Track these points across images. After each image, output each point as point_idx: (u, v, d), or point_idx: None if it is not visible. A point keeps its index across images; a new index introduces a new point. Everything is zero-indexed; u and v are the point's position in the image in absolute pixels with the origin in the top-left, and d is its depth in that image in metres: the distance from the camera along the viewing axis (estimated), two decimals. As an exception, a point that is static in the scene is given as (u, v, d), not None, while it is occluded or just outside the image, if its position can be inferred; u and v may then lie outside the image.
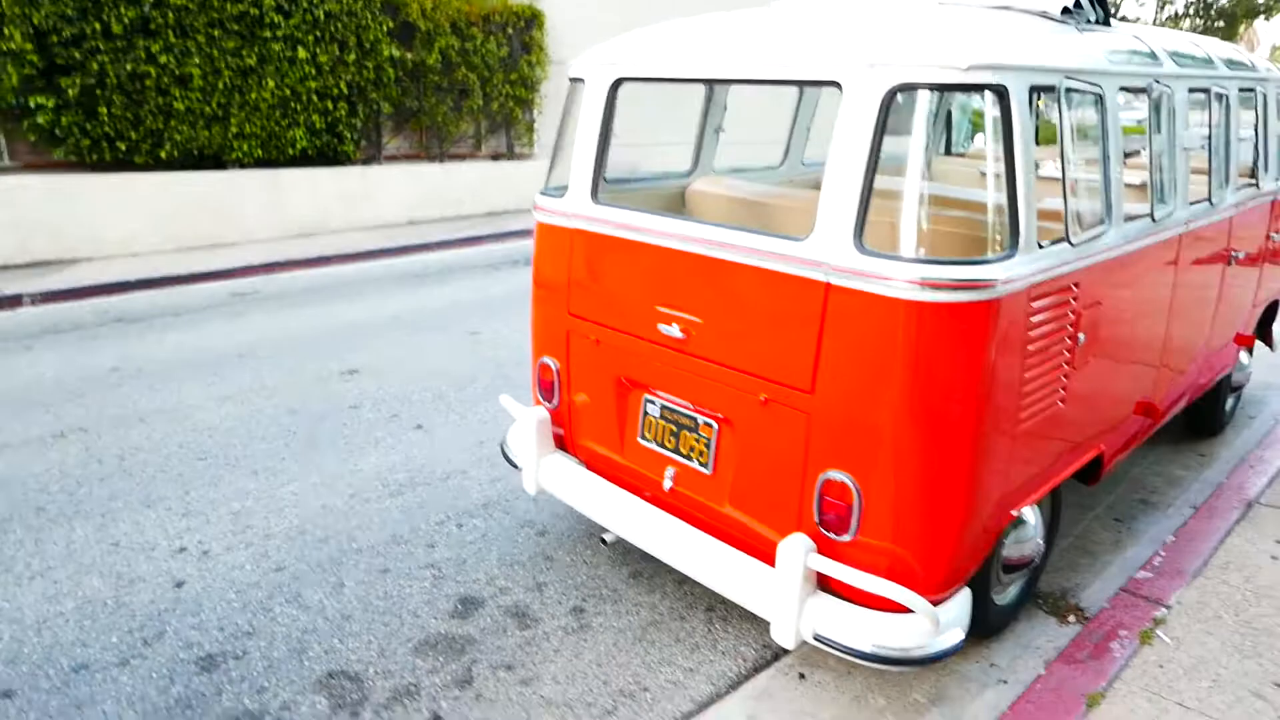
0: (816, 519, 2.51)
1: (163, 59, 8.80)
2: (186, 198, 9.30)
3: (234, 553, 3.53)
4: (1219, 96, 3.51)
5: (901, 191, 2.27)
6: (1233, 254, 3.78)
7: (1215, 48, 3.67)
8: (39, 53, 8.18)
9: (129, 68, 8.64)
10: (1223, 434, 4.80)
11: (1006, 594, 3.06)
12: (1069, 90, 2.46)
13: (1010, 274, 2.26)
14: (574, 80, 3.13)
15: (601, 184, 3.07)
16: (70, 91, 8.38)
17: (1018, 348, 2.37)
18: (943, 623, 2.42)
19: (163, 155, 9.14)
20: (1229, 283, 3.87)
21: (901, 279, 2.20)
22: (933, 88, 2.22)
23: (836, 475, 2.43)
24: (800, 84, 2.40)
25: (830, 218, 2.32)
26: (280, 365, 5.82)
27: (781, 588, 2.49)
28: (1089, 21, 2.88)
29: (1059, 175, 2.50)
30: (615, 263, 2.99)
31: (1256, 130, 3.68)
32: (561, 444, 3.35)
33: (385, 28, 10.42)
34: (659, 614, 3.16)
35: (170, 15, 8.76)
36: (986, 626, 2.98)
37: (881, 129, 2.26)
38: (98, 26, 8.39)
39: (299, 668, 2.86)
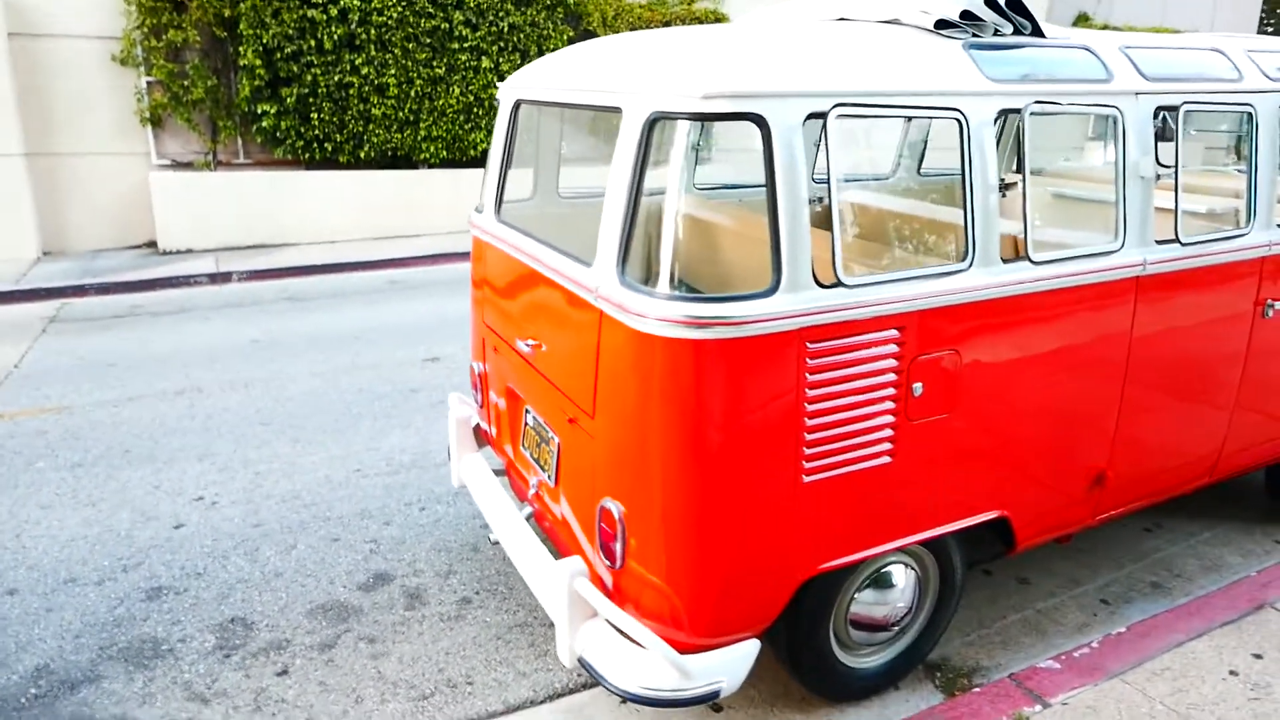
0: (598, 543, 2.52)
1: (364, 70, 9.99)
2: (381, 194, 10.50)
3: (234, 507, 4.10)
4: (1228, 114, 2.95)
5: (666, 222, 2.22)
6: (1269, 303, 3.15)
7: (1238, 56, 3.05)
8: (266, 67, 9.61)
9: (336, 78, 9.90)
10: (1322, 519, 3.97)
11: (870, 657, 2.84)
12: (915, 115, 2.26)
13: (765, 312, 2.14)
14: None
15: (504, 200, 3.22)
16: (289, 100, 9.77)
17: (787, 392, 2.22)
18: (698, 669, 2.33)
19: (362, 155, 10.37)
20: (1268, 338, 3.22)
21: (649, 313, 2.17)
22: (686, 117, 2.16)
23: (609, 502, 2.43)
24: (602, 110, 2.39)
25: (602, 246, 2.33)
26: (378, 348, 6.49)
27: (557, 608, 2.53)
28: (1001, 33, 2.58)
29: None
30: (503, 277, 3.14)
31: (1249, 157, 3.01)
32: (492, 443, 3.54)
33: (566, 37, 11.04)
34: (531, 618, 3.26)
35: (373, 31, 9.91)
36: (837, 688, 2.80)
37: (643, 158, 2.23)
38: (313, 43, 9.70)
39: (214, 610, 3.31)
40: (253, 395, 5.54)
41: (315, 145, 10.16)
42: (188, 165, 9.98)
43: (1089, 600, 3.40)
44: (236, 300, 8.08)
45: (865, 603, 2.73)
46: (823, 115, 2.15)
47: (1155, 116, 2.76)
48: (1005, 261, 2.50)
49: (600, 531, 2.48)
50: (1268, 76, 3.04)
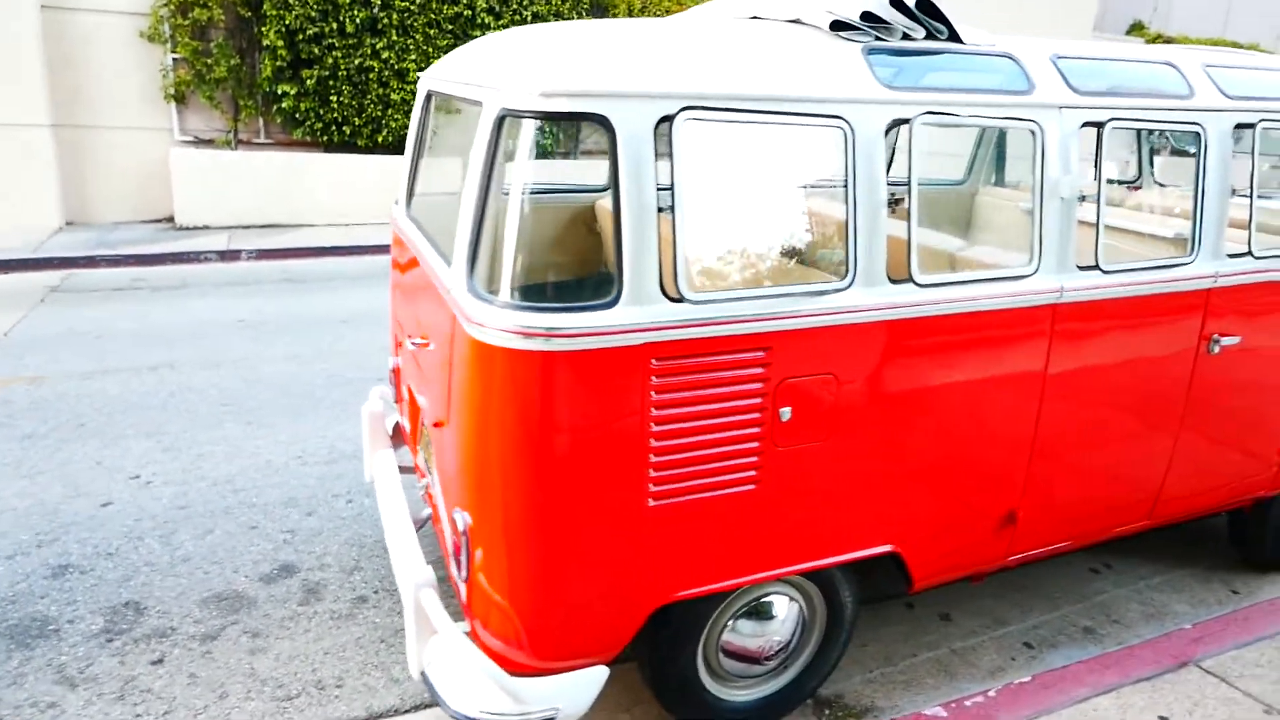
0: (450, 553, 2.43)
1: (385, 55, 10.02)
2: (396, 179, 10.54)
3: (166, 487, 4.10)
4: (1175, 133, 2.73)
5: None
6: (1214, 338, 2.91)
7: (1193, 69, 2.82)
8: (288, 48, 9.69)
9: (357, 62, 9.94)
10: (1287, 571, 3.71)
11: (747, 689, 2.70)
12: (765, 120, 2.12)
13: (605, 325, 2.02)
14: (424, 92, 3.23)
15: (415, 193, 3.14)
16: (309, 82, 9.83)
17: (631, 411, 2.10)
18: (532, 694, 2.23)
19: (380, 140, 10.41)
20: (1214, 376, 2.99)
21: (488, 322, 2.06)
22: (529, 115, 2.04)
23: (458, 513, 2.33)
24: (472, 104, 2.29)
25: (456, 249, 2.23)
26: (361, 333, 6.48)
27: (406, 618, 2.44)
28: (911, 38, 2.41)
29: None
30: (404, 272, 3.06)
31: (1196, 180, 2.76)
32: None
33: (590, 28, 10.94)
34: (422, 620, 3.19)
35: (395, 16, 9.93)
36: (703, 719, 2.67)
37: (492, 159, 2.12)
38: (335, 26, 9.75)
39: (111, 592, 3.30)
40: (222, 375, 5.57)
41: (334, 128, 10.23)
42: (209, 143, 10.12)
43: (1011, 642, 3.20)
44: (238, 279, 8.16)
45: (740, 633, 2.60)
46: (671, 119, 2.02)
47: (1099, 134, 2.56)
48: (896, 282, 2.34)
49: (453, 542, 2.39)
50: (1224, 94, 2.81)
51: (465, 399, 2.21)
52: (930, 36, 2.45)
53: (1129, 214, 3.79)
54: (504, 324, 2.03)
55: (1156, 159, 4.55)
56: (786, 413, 2.28)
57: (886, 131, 2.29)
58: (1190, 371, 2.93)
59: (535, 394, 2.06)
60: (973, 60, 2.49)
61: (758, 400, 2.23)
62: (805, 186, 2.34)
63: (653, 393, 2.11)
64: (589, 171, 3.74)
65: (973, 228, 4.21)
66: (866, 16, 2.34)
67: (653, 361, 2.09)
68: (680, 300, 2.07)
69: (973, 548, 2.78)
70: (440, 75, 2.85)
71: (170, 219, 9.98)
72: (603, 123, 1.99)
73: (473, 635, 2.36)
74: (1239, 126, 2.81)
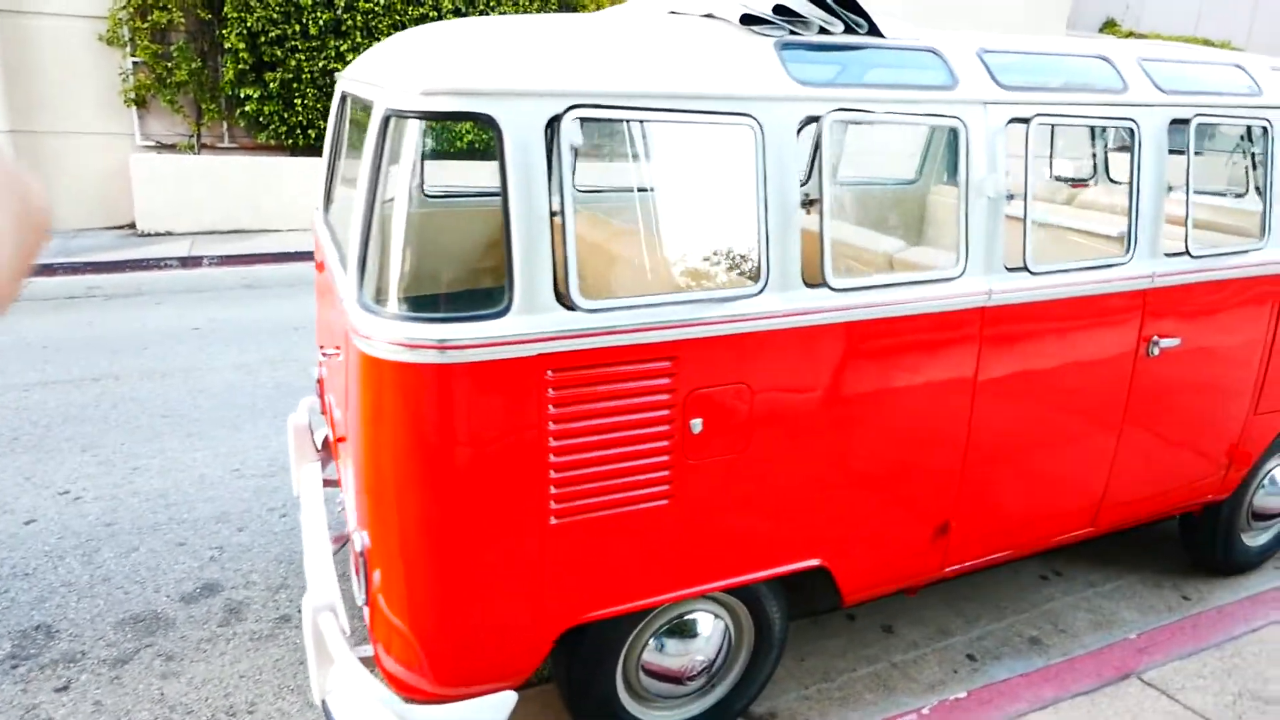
0: (354, 572, 2.32)
1: (349, 57, 9.87)
2: (363, 182, 10.40)
3: (95, 504, 3.97)
4: (1108, 129, 2.65)
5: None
6: (1154, 340, 2.83)
7: (1126, 63, 2.73)
8: (250, 51, 9.55)
9: (321, 64, 9.80)
10: (1240, 576, 3.63)
11: (671, 710, 2.60)
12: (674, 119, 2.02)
13: (495, 335, 1.92)
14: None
15: (332, 197, 3.03)
16: (273, 85, 9.69)
17: (528, 426, 2.00)
18: (435, 720, 2.13)
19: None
20: (1156, 379, 2.91)
21: (375, 334, 1.95)
22: (413, 115, 1.94)
23: (358, 533, 2.23)
24: (369, 104, 2.19)
25: (348, 257, 2.12)
26: (313, 340, 6.35)
27: (306, 642, 2.33)
28: (829, 32, 2.32)
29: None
30: (320, 278, 2.95)
31: (1130, 177, 2.68)
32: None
33: (559, 29, 10.83)
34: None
35: (359, 18, 9.80)
36: (630, 740, 2.57)
37: (378, 161, 2.01)
38: (298, 28, 9.61)
39: (25, 615, 3.18)
40: (167, 385, 5.43)
41: (299, 131, 10.08)
42: (171, 147, 9.96)
43: (954, 654, 3.12)
44: (196, 285, 8.02)
45: (661, 652, 2.50)
46: (560, 118, 1.91)
47: (1026, 130, 2.47)
48: (812, 287, 2.24)
49: (355, 563, 2.29)
50: (1159, 89, 2.73)
51: (358, 414, 2.10)
52: (849, 31, 2.36)
53: (1079, 213, 3.72)
54: (391, 336, 1.93)
55: (1112, 156, 4.49)
56: (698, 424, 2.18)
57: (799, 129, 2.20)
58: (1130, 375, 2.85)
59: (425, 409, 1.96)
60: (893, 55, 2.40)
61: (666, 412, 2.13)
62: (714, 188, 2.24)
63: (550, 406, 2.01)
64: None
65: (923, 228, 4.13)
66: (780, 10, 2.25)
67: (548, 373, 1.99)
68: (577, 309, 1.97)
69: (905, 560, 2.69)
70: (350, 75, 2.75)
71: (133, 225, 9.81)
72: (489, 123, 1.88)
73: (376, 661, 2.26)
74: (1175, 122, 2.74)
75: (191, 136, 9.96)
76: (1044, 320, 2.61)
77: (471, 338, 1.91)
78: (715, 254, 2.27)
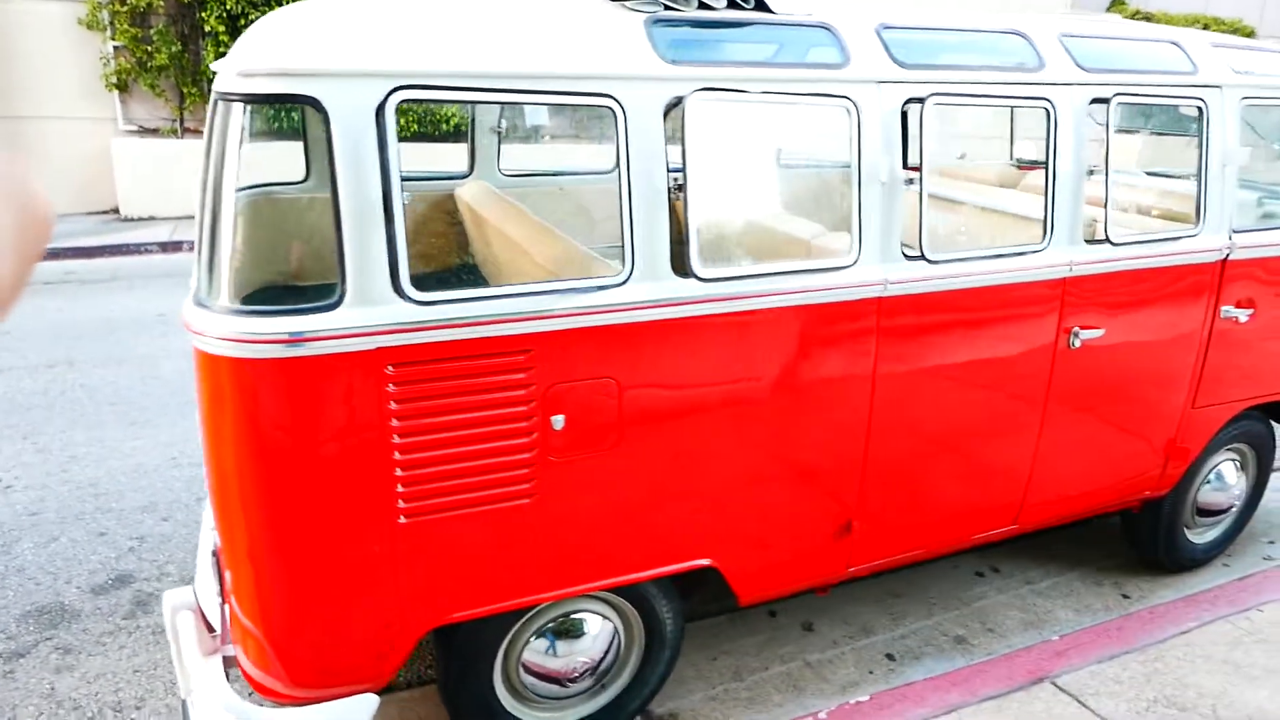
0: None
1: (331, 40, 9.78)
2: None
3: (27, 492, 3.94)
4: (1022, 109, 2.52)
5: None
6: (1074, 332, 2.70)
7: (1044, 37, 2.59)
8: (230, 34, 9.46)
9: (302, 48, 9.72)
10: (1186, 573, 3.50)
11: (558, 711, 2.52)
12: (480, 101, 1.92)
13: (327, 328, 1.83)
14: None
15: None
16: (254, 68, 9.61)
17: (371, 423, 1.91)
18: (287, 725, 2.06)
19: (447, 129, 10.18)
20: (1079, 373, 2.78)
21: (207, 330, 1.88)
22: (237, 98, 1.84)
23: (212, 531, 2.16)
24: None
25: (197, 250, 2.04)
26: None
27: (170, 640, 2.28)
28: (711, 7, 2.20)
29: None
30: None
31: (1046, 160, 2.53)
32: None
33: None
34: (246, 635, 3.02)
35: (340, 0, 9.70)
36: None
37: (208, 149, 1.93)
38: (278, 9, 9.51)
39: (-70, 607, 3.15)
40: (120, 373, 5.40)
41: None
42: (154, 132, 9.93)
43: (873, 653, 3.02)
44: (174, 271, 7.98)
45: (542, 652, 2.42)
46: (393, 98, 1.81)
47: (920, 111, 2.34)
48: (683, 276, 2.14)
49: (214, 563, 2.22)
50: (1079, 66, 2.59)
51: (201, 411, 2.02)
52: (734, 6, 2.24)
53: (1021, 197, 3.58)
54: (221, 331, 1.85)
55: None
56: (559, 421, 2.09)
57: (667, 111, 2.08)
58: (1050, 367, 2.72)
59: (259, 406, 1.88)
60: (780, 32, 2.28)
61: (523, 408, 2.04)
62: (580, 173, 2.14)
63: (392, 402, 1.92)
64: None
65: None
66: (654, -17, 2.13)
67: (388, 368, 1.90)
68: (412, 302, 1.88)
69: (805, 559, 2.59)
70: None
71: (115, 210, 9.81)
72: (315, 105, 1.79)
73: (236, 662, 2.19)
74: (1095, 101, 2.60)
75: (174, 120, 9.92)
76: (949, 311, 2.50)
77: (303, 331, 1.83)
78: (578, 242, 2.16)
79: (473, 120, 3.43)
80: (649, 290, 2.09)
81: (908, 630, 3.16)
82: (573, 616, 2.45)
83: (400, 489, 1.99)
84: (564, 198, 3.69)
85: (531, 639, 2.41)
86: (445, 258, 3.07)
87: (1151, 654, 2.83)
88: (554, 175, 3.79)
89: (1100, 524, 3.74)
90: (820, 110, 2.32)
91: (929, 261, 2.39)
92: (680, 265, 2.11)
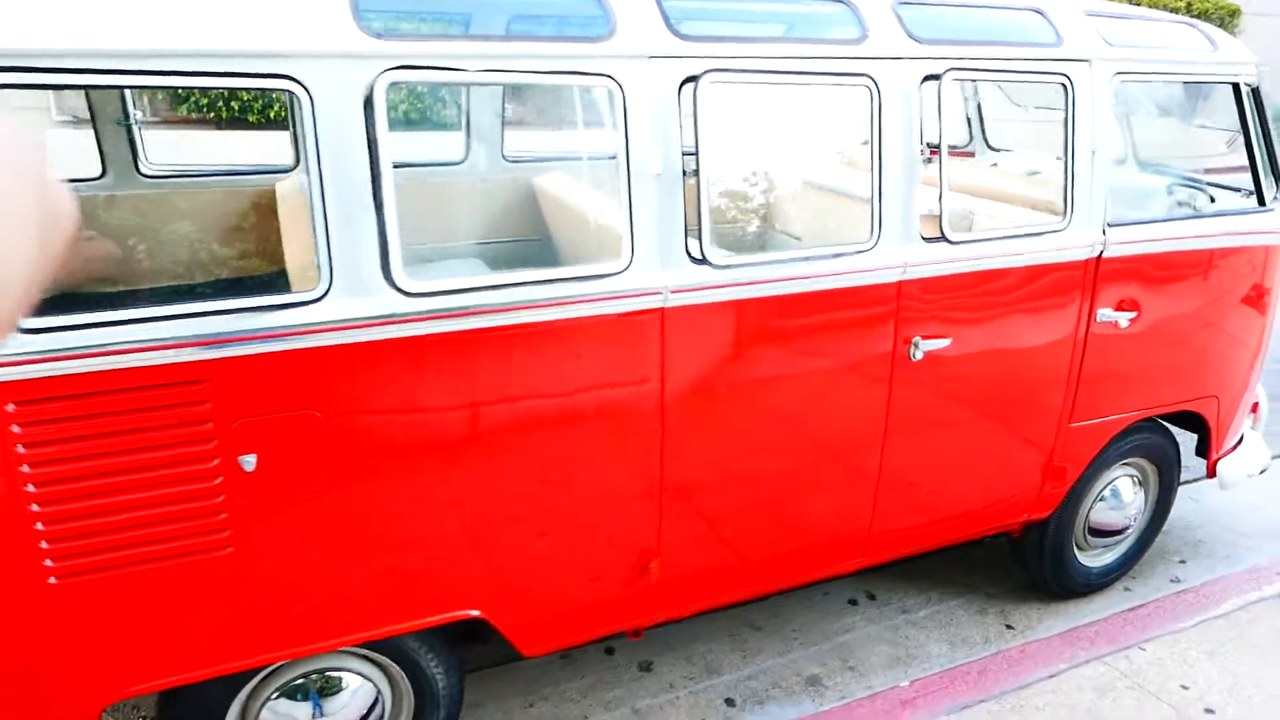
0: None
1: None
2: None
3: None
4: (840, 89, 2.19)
5: None
6: (914, 342, 2.38)
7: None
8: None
9: (240, 33, 9.40)
10: (1080, 600, 3.18)
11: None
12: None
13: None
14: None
15: None
16: (190, 54, 9.30)
17: (-5, 468, 1.61)
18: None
19: (272, 115, 9.88)
20: (925, 388, 2.46)
21: None
22: None
23: None
24: None
25: None
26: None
27: None
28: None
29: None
30: None
31: (870, 147, 2.19)
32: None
33: None
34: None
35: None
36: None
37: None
38: (213, -5, 9.19)
39: None
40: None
41: (222, 104, 9.73)
42: (90, 122, 9.63)
43: (712, 698, 2.72)
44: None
45: (283, 714, 2.13)
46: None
47: (694, 92, 2.01)
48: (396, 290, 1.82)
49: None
50: (913, 38, 2.25)
51: None
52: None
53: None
54: None
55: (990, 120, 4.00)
56: (250, 461, 1.78)
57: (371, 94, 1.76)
58: (888, 383, 2.40)
59: None
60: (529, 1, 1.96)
61: (203, 447, 1.73)
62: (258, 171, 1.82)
63: (19, 446, 1.62)
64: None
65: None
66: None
67: (9, 406, 1.59)
68: (31, 330, 1.57)
69: (600, 606, 2.29)
70: None
71: (51, 203, 9.52)
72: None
73: None
74: (930, 78, 2.26)
75: (110, 110, 9.61)
76: (757, 319, 2.17)
77: (-105, 364, 1.53)
78: (258, 253, 1.85)
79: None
80: (353, 307, 1.78)
81: (758, 669, 2.86)
82: (329, 674, 2.16)
83: (45, 545, 1.68)
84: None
85: (274, 698, 2.12)
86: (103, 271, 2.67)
87: (1009, 703, 2.52)
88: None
89: (995, 544, 3.43)
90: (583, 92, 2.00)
91: (714, 266, 2.06)
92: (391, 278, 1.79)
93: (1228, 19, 13.84)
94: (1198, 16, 13.62)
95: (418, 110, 8.26)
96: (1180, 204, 3.37)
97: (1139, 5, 13.31)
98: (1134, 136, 3.63)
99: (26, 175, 0.39)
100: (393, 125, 1.78)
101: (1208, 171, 3.61)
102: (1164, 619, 2.90)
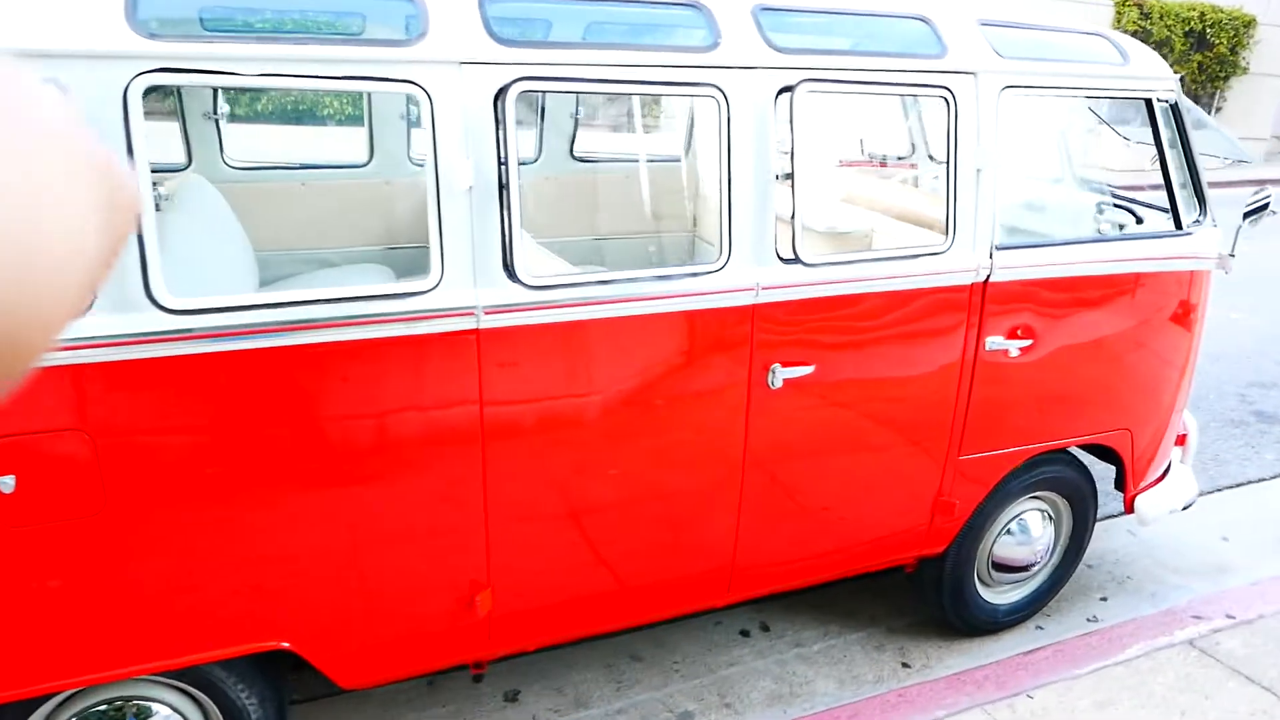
0: None
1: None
2: (289, 150, 10.00)
3: None
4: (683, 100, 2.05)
5: None
6: (773, 369, 2.24)
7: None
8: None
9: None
10: (984, 636, 3.03)
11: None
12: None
13: None
14: None
15: None
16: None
17: None
18: None
19: (260, 109, 9.87)
20: (788, 418, 2.32)
21: None
22: None
23: None
24: None
25: None
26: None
27: None
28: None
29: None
30: None
31: (719, 162, 2.05)
32: None
33: None
34: None
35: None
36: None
37: None
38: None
39: None
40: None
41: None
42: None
43: (584, 734, 2.60)
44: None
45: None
46: None
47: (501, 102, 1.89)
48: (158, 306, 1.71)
49: None
50: (771, 46, 2.11)
51: None
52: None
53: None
54: None
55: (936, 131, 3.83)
56: (8, 483, 1.68)
57: (146, 93, 1.66)
58: (744, 412, 2.26)
59: None
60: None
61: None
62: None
63: None
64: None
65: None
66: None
67: None
68: None
69: (424, 639, 2.17)
70: None
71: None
72: None
73: None
74: (785, 90, 2.12)
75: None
76: (590, 342, 2.05)
77: None
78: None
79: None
80: (116, 323, 1.68)
81: (630, 703, 2.73)
82: (139, 703, 2.06)
83: None
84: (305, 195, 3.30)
85: (70, 729, 2.02)
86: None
87: (873, 753, 2.38)
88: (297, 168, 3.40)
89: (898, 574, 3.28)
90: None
91: (527, 286, 1.94)
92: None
93: (1243, 29, 13.46)
94: (1212, 26, 13.28)
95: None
96: (1115, 225, 3.20)
97: (1149, 14, 12.98)
98: (1071, 154, 3.47)
99: (89, 157, 0.39)
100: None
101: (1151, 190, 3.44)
102: (1060, 664, 2.74)
